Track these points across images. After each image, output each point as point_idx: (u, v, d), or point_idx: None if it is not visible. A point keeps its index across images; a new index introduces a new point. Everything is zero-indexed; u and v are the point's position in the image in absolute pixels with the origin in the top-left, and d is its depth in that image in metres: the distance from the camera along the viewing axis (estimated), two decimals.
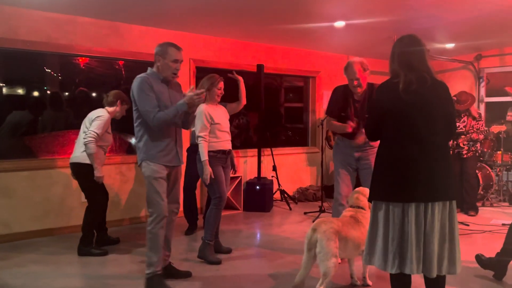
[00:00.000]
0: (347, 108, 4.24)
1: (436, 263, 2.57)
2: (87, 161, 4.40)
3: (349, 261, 3.68)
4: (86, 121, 4.53)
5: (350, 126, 4.12)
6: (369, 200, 2.80)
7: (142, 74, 3.48)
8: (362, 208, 3.60)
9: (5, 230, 4.91)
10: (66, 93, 6.09)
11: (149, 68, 3.56)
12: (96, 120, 4.42)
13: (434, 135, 2.61)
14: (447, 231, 2.61)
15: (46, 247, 4.72)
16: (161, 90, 3.48)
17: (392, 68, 2.73)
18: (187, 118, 3.64)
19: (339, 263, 3.30)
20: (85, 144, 4.34)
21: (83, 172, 4.47)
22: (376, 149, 4.23)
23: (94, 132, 4.35)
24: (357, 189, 3.83)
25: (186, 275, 3.83)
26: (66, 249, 4.64)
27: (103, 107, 4.65)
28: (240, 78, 4.79)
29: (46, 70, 5.90)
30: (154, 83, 3.43)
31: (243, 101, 4.79)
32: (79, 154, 4.45)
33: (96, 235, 4.70)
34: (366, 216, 3.53)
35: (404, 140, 2.62)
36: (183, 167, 5.58)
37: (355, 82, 4.11)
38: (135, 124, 3.54)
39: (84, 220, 4.51)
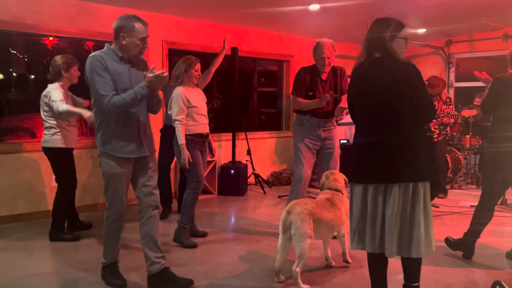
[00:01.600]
0: (315, 88, 4.29)
1: (395, 244, 2.59)
2: (57, 144, 4.29)
3: (324, 243, 3.72)
4: (41, 102, 4.33)
5: (330, 96, 4.14)
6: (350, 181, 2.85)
7: (96, 52, 3.03)
8: (339, 191, 3.63)
9: None
10: (33, 75, 5.90)
11: (106, 45, 3.11)
12: (52, 96, 4.21)
13: (399, 117, 2.58)
14: (408, 212, 2.59)
15: (15, 233, 4.59)
16: (119, 70, 3.03)
17: (361, 49, 2.74)
18: (151, 101, 3.21)
19: None
20: (59, 112, 4.16)
21: (53, 155, 4.36)
22: (336, 129, 4.43)
23: (55, 102, 4.16)
24: (331, 171, 3.85)
25: (187, 284, 3.24)
26: (36, 234, 4.53)
27: (51, 82, 4.39)
28: (226, 47, 4.99)
29: (12, 51, 5.69)
30: (109, 63, 2.99)
31: (212, 70, 4.87)
32: (48, 138, 4.32)
33: (68, 221, 4.60)
34: (342, 199, 3.57)
35: (367, 123, 2.69)
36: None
37: (327, 61, 4.20)
38: (93, 111, 3.19)
39: (54, 205, 4.41)
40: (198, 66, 4.26)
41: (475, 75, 4.05)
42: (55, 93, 4.22)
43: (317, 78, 4.29)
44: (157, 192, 3.29)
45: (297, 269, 3.17)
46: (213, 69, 4.94)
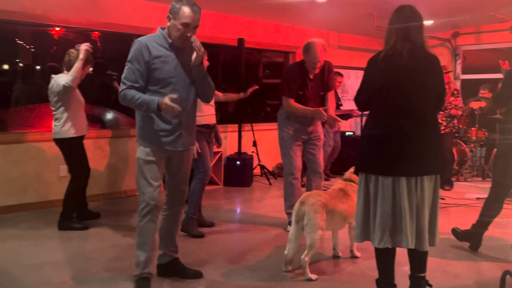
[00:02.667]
0: (304, 87, 4.29)
1: (427, 236, 2.61)
2: (67, 135, 4.34)
3: (333, 233, 3.74)
4: (49, 93, 4.36)
5: (324, 114, 4.17)
6: (356, 172, 2.82)
7: (144, 38, 2.88)
8: (353, 181, 3.65)
9: None
10: (40, 66, 5.93)
11: (159, 29, 2.94)
12: (60, 80, 4.23)
13: (425, 109, 2.62)
14: (431, 204, 2.65)
15: (25, 222, 4.64)
16: (165, 58, 2.85)
17: (388, 38, 2.68)
18: (201, 85, 3.01)
19: None
20: (67, 86, 4.19)
21: (64, 146, 4.40)
22: (319, 122, 4.42)
23: (65, 82, 4.19)
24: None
25: (195, 275, 3.24)
26: (45, 224, 4.58)
27: (55, 73, 4.41)
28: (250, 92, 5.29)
29: (18, 42, 5.71)
30: (155, 49, 2.83)
31: (222, 98, 5.13)
32: (58, 129, 4.35)
33: (76, 210, 4.64)
34: (355, 189, 3.58)
35: (396, 113, 2.61)
36: None
37: (318, 64, 4.19)
38: None
39: (66, 194, 4.45)
40: (205, 56, 4.26)
41: (500, 64, 4.06)
42: (62, 77, 4.25)
43: (305, 77, 4.28)
44: (186, 188, 3.18)
45: (306, 259, 3.21)
46: (224, 98, 5.13)
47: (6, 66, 5.78)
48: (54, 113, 4.37)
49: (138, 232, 2.97)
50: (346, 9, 6.56)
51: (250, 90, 5.41)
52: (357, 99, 2.81)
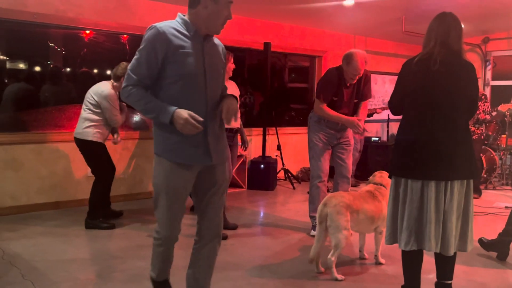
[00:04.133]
0: (339, 93, 4.26)
1: (453, 241, 2.60)
2: (89, 137, 4.42)
3: (360, 235, 3.73)
4: (89, 95, 4.49)
5: (359, 127, 4.13)
6: (389, 175, 2.83)
7: (162, 23, 2.33)
8: (382, 185, 3.63)
9: (13, 202, 4.94)
10: (70, 68, 6.07)
11: (178, 15, 2.42)
12: (105, 103, 4.42)
13: (458, 115, 2.62)
14: (462, 209, 2.64)
15: (53, 220, 4.75)
16: (187, 49, 2.31)
17: (426, 43, 2.69)
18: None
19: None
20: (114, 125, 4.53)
21: (86, 148, 4.49)
22: None
23: (112, 116, 4.46)
24: (379, 170, 3.83)
25: None
26: (73, 222, 4.68)
27: (109, 79, 4.60)
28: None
29: (50, 44, 5.86)
30: (174, 39, 2.29)
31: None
32: (81, 130, 4.44)
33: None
34: (383, 193, 3.57)
35: (428, 117, 2.63)
36: None
37: (357, 77, 4.17)
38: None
39: (91, 194, 4.54)
40: (232, 59, 4.31)
41: None
42: (107, 106, 4.45)
43: (342, 84, 4.25)
44: (221, 214, 2.56)
45: (332, 258, 3.24)
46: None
47: (37, 68, 5.93)
48: (86, 114, 4.46)
49: (153, 250, 2.58)
50: (373, 13, 6.52)
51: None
52: (390, 102, 2.87)
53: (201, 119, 2.24)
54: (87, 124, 4.43)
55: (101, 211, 4.59)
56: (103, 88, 4.48)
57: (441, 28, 2.65)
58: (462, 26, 2.68)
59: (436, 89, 2.62)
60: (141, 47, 2.32)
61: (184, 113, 2.21)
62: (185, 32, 2.34)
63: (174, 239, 2.49)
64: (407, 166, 2.65)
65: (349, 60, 4.12)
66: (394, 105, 2.84)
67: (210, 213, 2.50)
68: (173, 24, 2.35)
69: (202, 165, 2.42)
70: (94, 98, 4.45)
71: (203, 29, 2.38)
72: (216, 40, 2.53)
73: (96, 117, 4.44)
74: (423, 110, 2.66)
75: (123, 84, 2.34)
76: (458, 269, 3.26)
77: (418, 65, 2.65)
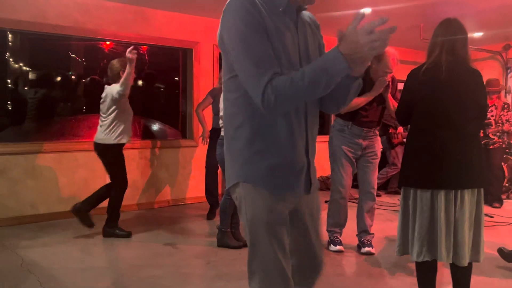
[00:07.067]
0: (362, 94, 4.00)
1: (467, 251, 2.56)
2: (108, 141, 4.46)
3: None
4: (101, 104, 4.53)
5: (385, 79, 3.83)
6: (399, 186, 2.79)
7: None
8: None
9: (33, 211, 5.03)
10: (90, 78, 6.18)
11: None
12: (114, 90, 4.36)
13: (466, 123, 2.59)
14: (473, 219, 2.60)
15: (72, 228, 4.81)
16: (282, 29, 1.63)
17: (430, 51, 2.66)
18: (348, 89, 1.70)
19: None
20: (121, 93, 4.30)
21: (105, 152, 4.54)
22: (378, 137, 4.17)
23: (117, 91, 4.31)
24: None
25: None
26: (91, 230, 4.73)
27: (109, 84, 4.57)
28: None
29: (71, 55, 5.98)
30: (266, 14, 1.59)
31: None
32: (101, 136, 4.49)
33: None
34: None
35: (435, 126, 2.60)
36: (199, 148, 5.55)
37: (389, 75, 3.94)
38: (228, 96, 1.72)
39: (109, 202, 4.58)
40: None
41: None
42: (115, 86, 4.39)
43: (367, 87, 3.92)
44: (322, 248, 1.98)
45: None
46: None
47: (60, 78, 6.06)
48: (103, 120, 4.51)
49: None
50: (391, 21, 6.40)
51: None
52: (398, 113, 2.85)
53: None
54: (106, 129, 4.46)
55: (117, 219, 4.62)
56: (107, 89, 4.48)
57: (446, 35, 2.62)
58: (467, 32, 2.64)
59: (444, 98, 2.59)
60: (233, 32, 1.59)
61: (352, 32, 1.46)
62: (271, 4, 1.65)
63: None
64: (416, 176, 2.63)
65: (380, 57, 3.83)
66: (401, 115, 2.81)
67: (313, 252, 1.89)
68: None
69: (302, 191, 1.77)
70: (106, 102, 4.47)
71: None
72: (308, 16, 1.86)
73: (115, 121, 4.47)
74: (431, 120, 2.63)
75: (261, 90, 1.52)
76: (477, 280, 3.19)
77: (425, 74, 2.62)
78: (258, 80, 1.52)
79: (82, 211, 4.50)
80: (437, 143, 2.57)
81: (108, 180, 4.64)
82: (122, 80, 4.30)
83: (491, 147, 6.11)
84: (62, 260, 3.85)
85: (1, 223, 4.78)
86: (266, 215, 1.66)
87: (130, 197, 4.96)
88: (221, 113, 4.13)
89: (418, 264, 2.71)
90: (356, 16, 1.48)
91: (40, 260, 3.80)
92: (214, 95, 5.26)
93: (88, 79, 6.06)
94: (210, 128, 5.37)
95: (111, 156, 4.54)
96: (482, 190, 2.63)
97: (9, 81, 5.61)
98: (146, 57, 6.42)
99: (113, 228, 4.55)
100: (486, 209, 5.81)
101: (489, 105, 6.23)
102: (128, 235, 4.55)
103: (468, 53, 2.65)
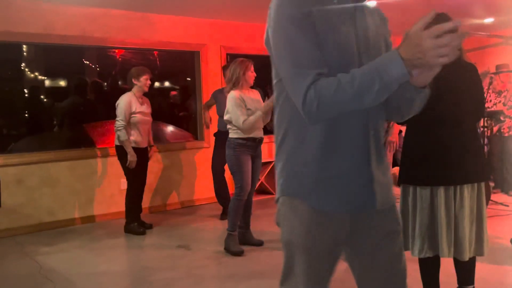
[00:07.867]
0: None
1: (467, 246, 2.55)
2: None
3: None
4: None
5: None
6: (398, 184, 2.78)
7: None
8: None
9: (50, 218, 5.16)
10: (101, 86, 6.30)
11: None
12: (117, 109, 4.67)
13: (463, 118, 2.57)
14: (475, 213, 2.58)
15: (88, 233, 4.93)
16: (337, 21, 1.40)
17: None
18: (411, 102, 1.50)
19: None
20: (116, 133, 4.64)
21: (121, 155, 4.74)
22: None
23: (118, 120, 4.64)
24: None
25: None
26: (107, 235, 4.84)
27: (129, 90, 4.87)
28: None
29: (85, 62, 6.10)
30: (318, 4, 1.38)
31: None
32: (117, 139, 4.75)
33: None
34: None
35: (432, 123, 2.58)
36: (210, 150, 5.61)
37: None
38: (277, 101, 1.53)
39: (126, 202, 4.83)
40: (252, 67, 4.23)
41: None
42: (118, 112, 4.65)
43: None
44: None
45: None
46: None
47: (75, 86, 6.16)
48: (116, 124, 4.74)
49: None
50: (397, 12, 6.35)
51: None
52: None
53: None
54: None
55: (136, 216, 4.86)
56: (120, 99, 4.73)
57: None
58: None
59: (440, 94, 2.56)
60: (278, 28, 1.40)
61: (417, 33, 1.23)
62: None
63: None
64: (415, 173, 2.62)
65: None
66: None
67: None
68: None
69: (361, 209, 1.48)
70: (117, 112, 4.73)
71: None
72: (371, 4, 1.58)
73: (131, 125, 4.74)
74: (427, 116, 2.59)
75: (303, 94, 1.32)
76: (489, 268, 3.17)
77: None
78: (300, 82, 1.33)
79: (127, 224, 4.82)
80: (436, 140, 2.56)
81: (121, 186, 4.83)
82: (124, 146, 4.65)
83: (506, 134, 6.02)
84: (79, 265, 3.96)
85: (21, 231, 4.93)
86: (304, 239, 1.44)
87: (143, 200, 5.06)
88: (225, 117, 4.13)
89: (421, 261, 2.70)
90: (428, 15, 1.23)
91: (58, 266, 3.91)
92: (215, 96, 5.32)
93: (104, 85, 6.19)
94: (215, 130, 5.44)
95: (123, 155, 4.73)
96: (482, 184, 2.61)
97: (26, 90, 5.76)
98: (158, 62, 6.52)
99: (131, 224, 4.81)
100: (501, 197, 5.81)
101: (503, 90, 6.16)
102: (142, 232, 4.78)
103: (462, 48, 2.62)
